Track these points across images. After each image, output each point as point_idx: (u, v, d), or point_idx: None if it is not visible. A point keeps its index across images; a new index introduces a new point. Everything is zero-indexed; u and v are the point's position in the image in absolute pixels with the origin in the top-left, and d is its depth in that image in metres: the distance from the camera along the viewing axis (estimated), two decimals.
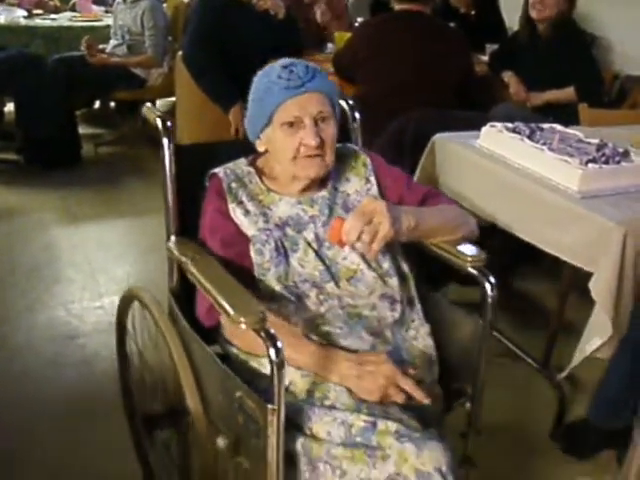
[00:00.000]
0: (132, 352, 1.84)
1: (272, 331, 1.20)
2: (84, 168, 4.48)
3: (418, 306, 1.59)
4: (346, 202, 1.57)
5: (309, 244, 1.50)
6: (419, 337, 1.55)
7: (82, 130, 4.74)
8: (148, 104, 1.67)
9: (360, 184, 1.60)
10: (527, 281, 3.22)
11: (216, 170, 1.58)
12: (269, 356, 1.17)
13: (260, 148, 1.57)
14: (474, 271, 1.50)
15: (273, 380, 1.18)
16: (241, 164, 1.60)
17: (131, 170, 4.31)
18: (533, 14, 3.32)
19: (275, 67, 1.48)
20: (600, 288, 1.79)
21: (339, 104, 1.58)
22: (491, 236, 2.48)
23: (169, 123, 1.59)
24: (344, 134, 1.71)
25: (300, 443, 1.29)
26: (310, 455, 1.28)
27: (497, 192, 2.09)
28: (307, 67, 1.47)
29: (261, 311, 1.21)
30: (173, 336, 1.51)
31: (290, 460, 1.27)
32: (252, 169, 1.58)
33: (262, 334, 1.19)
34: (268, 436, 1.21)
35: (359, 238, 1.32)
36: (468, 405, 1.59)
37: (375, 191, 1.60)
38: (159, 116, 1.59)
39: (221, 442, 1.37)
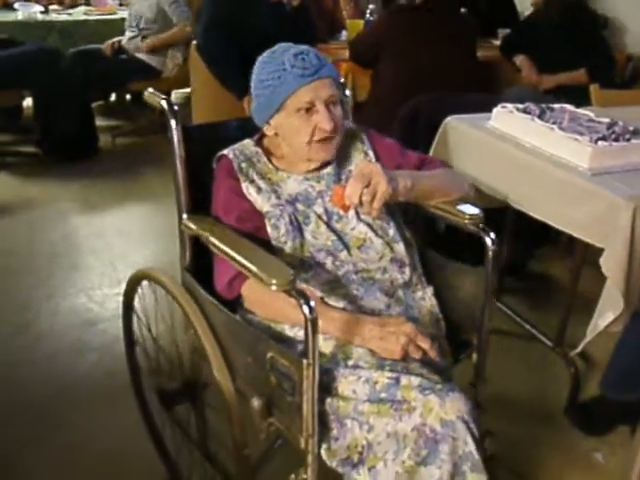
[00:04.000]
0: (142, 332, 1.86)
1: (303, 287, 1.25)
2: (102, 159, 4.55)
3: (420, 270, 1.67)
4: (349, 177, 1.59)
5: (319, 217, 1.57)
6: (426, 297, 1.63)
7: (99, 122, 4.80)
8: (150, 89, 1.68)
9: (360, 158, 1.68)
10: (542, 263, 3.23)
11: (224, 152, 1.63)
12: (303, 313, 1.20)
13: (269, 132, 1.61)
14: (474, 228, 1.56)
15: (307, 335, 1.21)
16: (248, 145, 1.66)
17: (147, 160, 4.37)
18: None
19: (285, 55, 1.51)
20: (611, 264, 1.81)
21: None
22: (504, 218, 2.52)
23: (175, 105, 1.61)
24: None
25: (327, 403, 1.33)
26: (338, 413, 1.33)
27: (509, 172, 2.11)
28: (317, 55, 1.53)
29: (291, 273, 1.25)
30: (192, 306, 1.54)
31: (319, 420, 1.31)
32: (259, 149, 1.64)
33: (294, 293, 1.23)
34: (304, 391, 1.24)
35: (360, 199, 1.38)
36: (475, 356, 1.65)
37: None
38: (164, 98, 1.61)
39: (255, 403, 1.39)
